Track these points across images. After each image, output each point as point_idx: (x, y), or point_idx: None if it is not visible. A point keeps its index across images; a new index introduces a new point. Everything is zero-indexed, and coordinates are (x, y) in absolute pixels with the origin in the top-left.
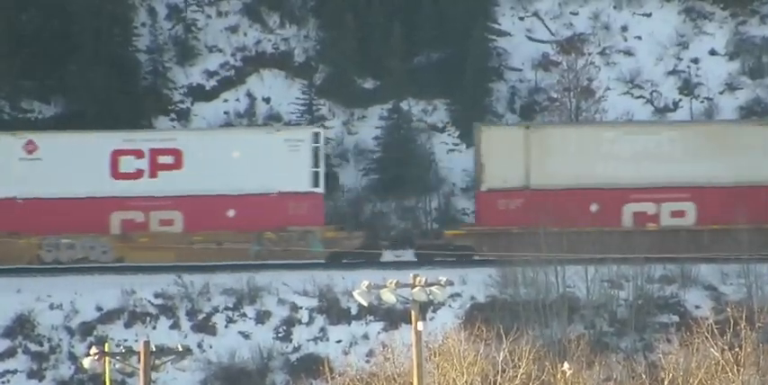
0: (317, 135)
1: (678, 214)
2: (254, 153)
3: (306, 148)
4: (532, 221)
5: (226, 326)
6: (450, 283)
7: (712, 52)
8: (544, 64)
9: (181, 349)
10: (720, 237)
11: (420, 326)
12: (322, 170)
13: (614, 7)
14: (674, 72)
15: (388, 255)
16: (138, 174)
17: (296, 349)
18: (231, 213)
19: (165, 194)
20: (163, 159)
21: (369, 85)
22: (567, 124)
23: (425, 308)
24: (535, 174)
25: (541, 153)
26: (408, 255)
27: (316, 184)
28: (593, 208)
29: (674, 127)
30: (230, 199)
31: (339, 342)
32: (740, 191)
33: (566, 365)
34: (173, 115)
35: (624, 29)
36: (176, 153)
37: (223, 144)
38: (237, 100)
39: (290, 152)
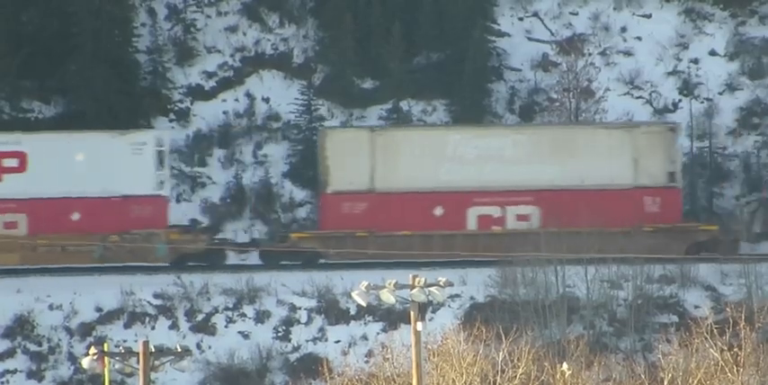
0: (160, 138)
1: (523, 217)
2: (97, 156)
3: (149, 152)
4: (376, 224)
5: (225, 327)
6: (450, 284)
7: (712, 53)
8: (544, 64)
9: (180, 349)
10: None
11: (419, 326)
12: (167, 173)
13: (614, 8)
14: (673, 72)
15: (233, 258)
16: None
17: (295, 349)
18: (76, 216)
19: (9, 197)
20: (7, 162)
21: (368, 85)
22: (412, 127)
23: (424, 308)
24: (380, 178)
25: (387, 156)
26: (254, 258)
27: (160, 187)
28: (438, 211)
29: (518, 130)
30: (74, 202)
31: (338, 342)
32: (587, 194)
33: (565, 365)
34: (172, 115)
35: (624, 29)
36: (21, 156)
37: (68, 147)
38: (237, 100)
39: (134, 155)
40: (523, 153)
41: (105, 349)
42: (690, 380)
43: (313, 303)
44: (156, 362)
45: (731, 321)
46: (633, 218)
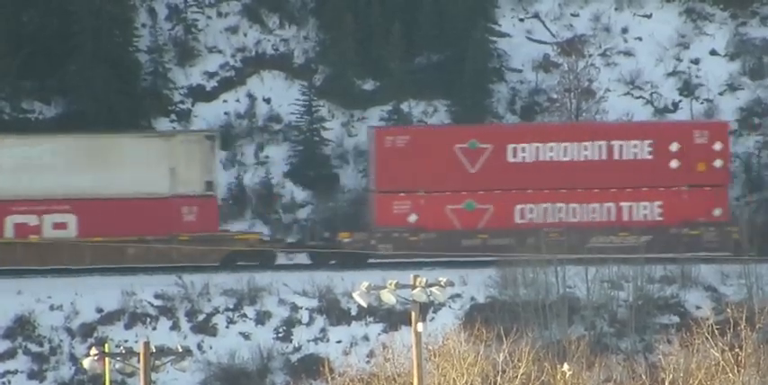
0: None
1: (60, 226)
2: None
3: None
4: None
5: (226, 327)
6: (451, 284)
7: (712, 53)
8: (544, 65)
9: (181, 350)
10: (106, 250)
11: (420, 326)
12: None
13: (615, 8)
14: (674, 73)
15: (282, 259)
16: None
17: (296, 349)
18: None
19: None
20: None
21: (368, 86)
22: None
23: (425, 308)
24: None
25: None
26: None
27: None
28: None
29: (55, 138)
30: None
31: (339, 342)
32: (125, 203)
33: (566, 366)
34: (173, 116)
35: (624, 30)
36: None
37: None
38: (237, 101)
39: None
40: (61, 162)
41: (106, 349)
42: (690, 381)
43: (314, 303)
44: (157, 363)
45: (732, 322)
46: (170, 226)
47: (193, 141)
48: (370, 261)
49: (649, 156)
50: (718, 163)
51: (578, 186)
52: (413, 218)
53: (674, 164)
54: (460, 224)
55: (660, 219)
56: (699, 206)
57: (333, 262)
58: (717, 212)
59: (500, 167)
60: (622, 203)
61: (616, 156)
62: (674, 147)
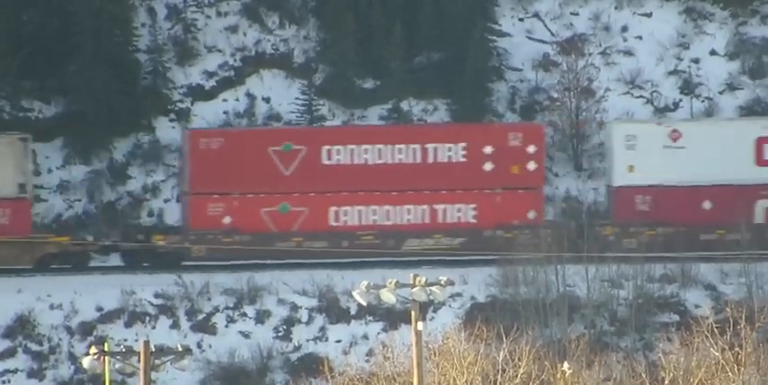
0: None
1: None
2: None
3: None
4: None
5: (226, 326)
6: (451, 283)
7: (712, 52)
8: (544, 64)
9: (180, 349)
10: None
11: (420, 325)
12: None
13: (615, 7)
14: (674, 72)
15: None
16: None
17: (296, 349)
18: None
19: None
20: None
21: (369, 85)
22: None
23: (425, 307)
24: None
25: None
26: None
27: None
28: None
29: None
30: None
31: (339, 342)
32: None
33: (566, 365)
34: (172, 115)
35: (624, 29)
36: None
37: None
38: (237, 100)
39: None
40: None
41: (106, 348)
42: (690, 380)
43: (314, 302)
44: (157, 362)
45: (732, 320)
46: None
47: (5, 143)
48: (184, 263)
49: (463, 159)
50: (531, 165)
51: (393, 189)
52: (227, 220)
53: (487, 166)
54: (275, 226)
55: (474, 221)
56: (513, 208)
57: (146, 264)
58: (531, 215)
59: (314, 170)
60: (437, 206)
61: (430, 159)
62: (488, 149)
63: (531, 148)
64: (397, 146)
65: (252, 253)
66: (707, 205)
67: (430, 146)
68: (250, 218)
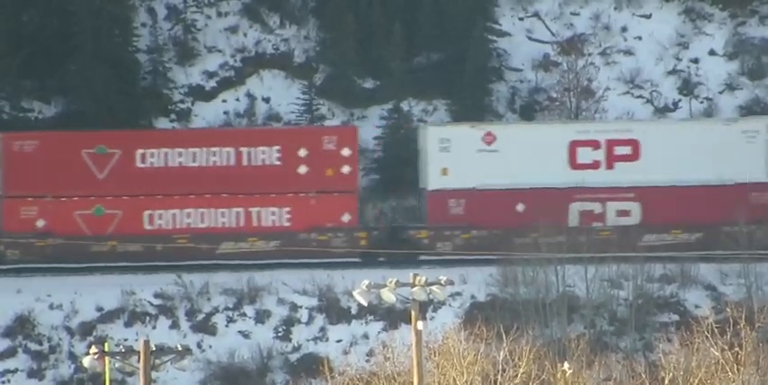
0: None
1: None
2: None
3: None
4: None
5: (226, 326)
6: (451, 282)
7: (712, 52)
8: (544, 64)
9: (180, 349)
10: None
11: (420, 325)
12: None
13: (614, 8)
14: (673, 72)
15: None
16: None
17: (296, 349)
18: None
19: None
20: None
21: (369, 85)
22: None
23: (425, 307)
24: None
25: None
26: None
27: None
28: None
29: None
30: None
31: (339, 341)
32: None
33: (566, 365)
34: (173, 115)
35: (624, 29)
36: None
37: None
38: (237, 100)
39: None
40: None
41: (106, 348)
42: (690, 380)
43: (314, 302)
44: (157, 361)
45: (731, 321)
46: None
47: None
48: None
49: (278, 162)
50: (346, 169)
51: (207, 192)
52: (41, 223)
53: (302, 170)
54: (89, 229)
55: (288, 224)
56: (327, 212)
57: None
58: (345, 218)
59: (128, 173)
60: (251, 209)
61: (245, 162)
62: (303, 152)
63: (346, 152)
64: (212, 149)
65: (66, 256)
66: (521, 208)
67: (244, 149)
68: (64, 221)
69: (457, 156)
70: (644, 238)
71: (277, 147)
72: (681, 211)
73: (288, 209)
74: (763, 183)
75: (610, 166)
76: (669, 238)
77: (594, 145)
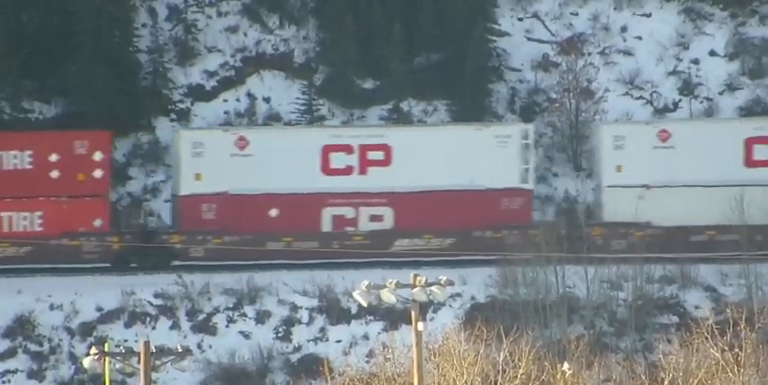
0: None
1: None
2: None
3: None
4: None
5: (226, 327)
6: (451, 283)
7: (712, 53)
8: (544, 64)
9: (181, 349)
10: None
11: (420, 326)
12: None
13: (614, 8)
14: (673, 72)
15: None
16: None
17: (296, 349)
18: None
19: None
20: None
21: (369, 85)
22: None
23: (425, 308)
24: None
25: None
26: None
27: None
28: None
29: None
30: None
31: (339, 342)
32: None
33: (565, 365)
34: (173, 115)
35: (624, 29)
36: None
37: None
38: (237, 100)
39: None
40: None
41: (106, 349)
42: (690, 380)
43: (314, 303)
44: (157, 362)
45: (731, 321)
46: None
47: None
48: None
49: (30, 167)
50: (98, 173)
51: None
52: None
53: (54, 174)
54: None
55: (41, 229)
56: (79, 216)
57: None
58: (97, 223)
59: None
60: (3, 214)
61: None
62: (54, 157)
63: (98, 156)
64: None
65: None
66: (274, 213)
67: None
68: None
69: (210, 160)
70: (396, 243)
71: (29, 152)
72: (433, 216)
73: (40, 213)
74: (515, 189)
75: (363, 171)
76: (421, 243)
77: (348, 150)
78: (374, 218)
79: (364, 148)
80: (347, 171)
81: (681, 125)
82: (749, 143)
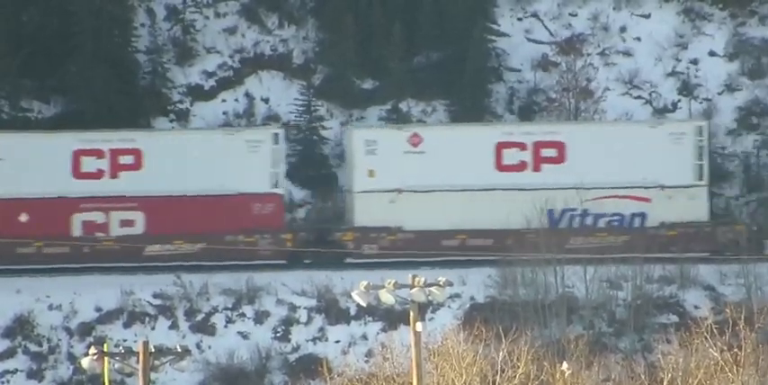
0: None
1: None
2: None
3: None
4: None
5: (224, 327)
6: (450, 284)
7: (711, 53)
8: (543, 64)
9: (179, 349)
10: None
11: (419, 326)
12: None
13: (613, 8)
14: (673, 73)
15: None
16: None
17: (294, 349)
18: None
19: None
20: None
21: (368, 85)
22: None
23: (424, 308)
24: None
25: None
26: None
27: None
28: None
29: None
30: None
31: (338, 342)
32: None
33: (565, 365)
34: (172, 115)
35: (623, 29)
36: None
37: None
38: (236, 100)
39: None
40: None
41: (105, 349)
42: (689, 380)
43: (313, 303)
44: (156, 362)
45: (731, 321)
46: None
47: None
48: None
49: None
50: None
51: None
52: None
53: None
54: None
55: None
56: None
57: None
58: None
59: None
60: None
61: None
62: None
63: None
64: None
65: None
66: (24, 218)
67: None
68: None
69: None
70: (148, 248)
71: None
72: (184, 221)
73: None
74: (266, 194)
75: (114, 176)
76: (172, 248)
77: (99, 154)
78: (125, 223)
79: (115, 152)
80: (98, 175)
81: (432, 130)
82: (499, 148)
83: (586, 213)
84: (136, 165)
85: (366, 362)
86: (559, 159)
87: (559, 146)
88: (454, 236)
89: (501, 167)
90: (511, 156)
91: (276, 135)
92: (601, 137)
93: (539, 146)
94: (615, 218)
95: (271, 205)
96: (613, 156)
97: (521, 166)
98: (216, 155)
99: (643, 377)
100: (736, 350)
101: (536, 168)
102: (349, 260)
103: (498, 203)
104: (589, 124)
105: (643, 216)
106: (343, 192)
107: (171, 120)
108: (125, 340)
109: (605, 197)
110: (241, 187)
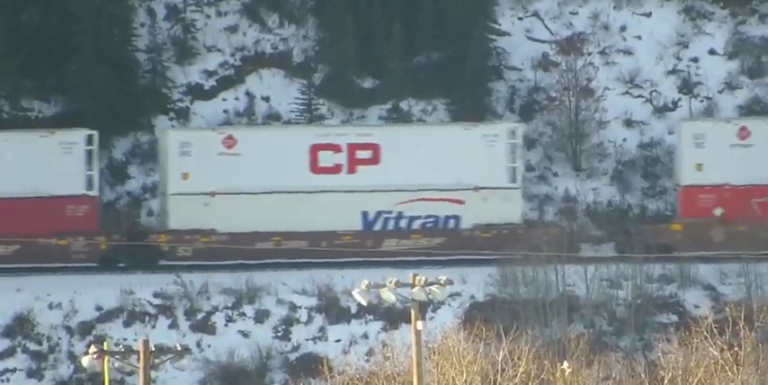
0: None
1: None
2: None
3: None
4: None
5: (225, 326)
6: (450, 282)
7: (712, 52)
8: (544, 64)
9: (180, 348)
10: None
11: (420, 325)
12: None
13: (614, 7)
14: (673, 71)
15: None
16: None
17: (295, 348)
18: None
19: None
20: None
21: (368, 84)
22: None
23: (425, 307)
24: None
25: None
26: None
27: None
28: None
29: None
30: None
31: (338, 341)
32: None
33: (565, 364)
34: (172, 114)
35: (623, 28)
36: None
37: None
38: (237, 99)
39: None
40: None
41: (105, 348)
42: (689, 379)
43: (313, 302)
44: (156, 361)
45: (731, 320)
46: None
47: None
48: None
49: None
50: None
51: None
52: None
53: None
54: None
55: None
56: None
57: None
58: None
59: None
60: None
61: None
62: None
63: None
64: None
65: None
66: None
67: None
68: None
69: None
70: None
71: None
72: None
73: None
74: (80, 196)
75: None
76: None
77: None
78: None
79: None
80: None
81: (247, 131)
82: (314, 150)
83: (401, 215)
84: None
85: (367, 361)
86: (374, 161)
87: (374, 148)
88: (269, 238)
89: (316, 169)
90: (326, 158)
91: (90, 136)
92: (415, 139)
93: (353, 148)
94: (430, 220)
95: (85, 207)
96: (427, 159)
97: (336, 169)
98: (29, 158)
99: (643, 376)
100: (736, 349)
101: (351, 170)
102: (163, 262)
103: (314, 206)
104: (403, 126)
105: (457, 218)
106: (158, 194)
107: (171, 119)
108: (125, 339)
109: (419, 199)
110: (54, 190)
